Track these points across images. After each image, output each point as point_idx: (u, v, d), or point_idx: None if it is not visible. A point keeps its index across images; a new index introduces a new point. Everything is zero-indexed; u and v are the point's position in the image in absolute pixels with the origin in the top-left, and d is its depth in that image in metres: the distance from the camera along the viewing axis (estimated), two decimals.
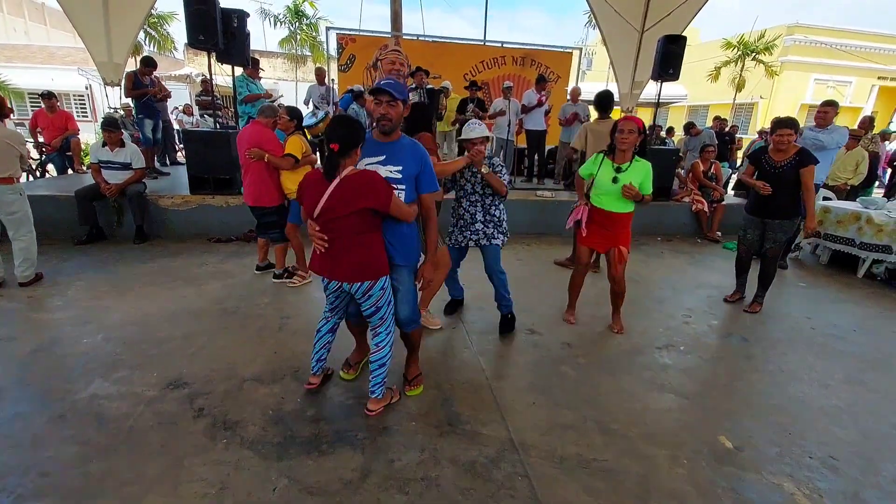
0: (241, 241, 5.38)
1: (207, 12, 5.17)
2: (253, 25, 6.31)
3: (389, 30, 10.76)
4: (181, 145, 8.69)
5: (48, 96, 6.95)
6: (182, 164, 7.28)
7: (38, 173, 7.22)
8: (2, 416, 2.17)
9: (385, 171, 2.08)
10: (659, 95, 6.74)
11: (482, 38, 11.16)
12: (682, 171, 7.29)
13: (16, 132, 3.78)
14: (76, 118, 7.66)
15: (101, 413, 2.22)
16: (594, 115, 5.16)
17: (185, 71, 19.50)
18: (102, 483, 1.79)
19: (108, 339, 2.96)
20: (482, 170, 2.92)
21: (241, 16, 5.72)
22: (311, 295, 3.84)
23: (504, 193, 3.03)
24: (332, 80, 8.35)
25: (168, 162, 8.24)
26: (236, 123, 6.30)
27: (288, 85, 19.78)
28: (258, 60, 6.44)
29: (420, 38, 10.82)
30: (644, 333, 3.37)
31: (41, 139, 6.97)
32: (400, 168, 2.12)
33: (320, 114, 7.28)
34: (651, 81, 7.22)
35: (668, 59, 6.40)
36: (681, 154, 7.80)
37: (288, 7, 20.22)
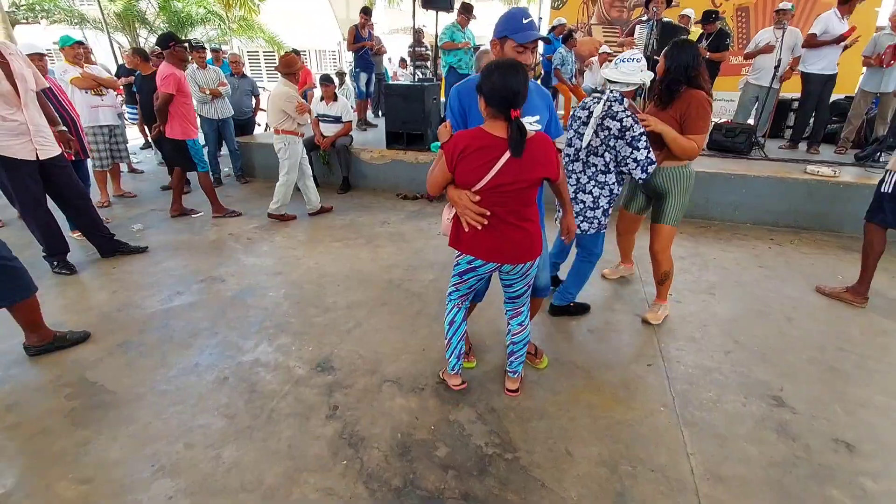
0: (425, 199, 5.29)
1: None
2: None
3: None
4: None
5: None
6: None
7: None
8: (186, 364, 2.38)
9: (527, 125, 1.65)
10: None
11: None
12: None
13: (285, 91, 4.25)
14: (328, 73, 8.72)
15: (256, 383, 2.24)
16: None
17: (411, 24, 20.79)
18: (227, 477, 1.73)
19: (287, 296, 3.11)
20: None
21: None
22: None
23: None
24: (539, 18, 7.36)
25: (381, 114, 8.81)
26: (434, 75, 6.10)
27: None
28: (471, 6, 5.92)
29: None
30: None
31: None
32: (538, 118, 1.74)
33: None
34: None
35: None
36: None
37: None
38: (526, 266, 1.84)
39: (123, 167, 6.27)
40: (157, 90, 4.11)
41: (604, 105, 2.32)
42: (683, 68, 2.40)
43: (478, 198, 1.68)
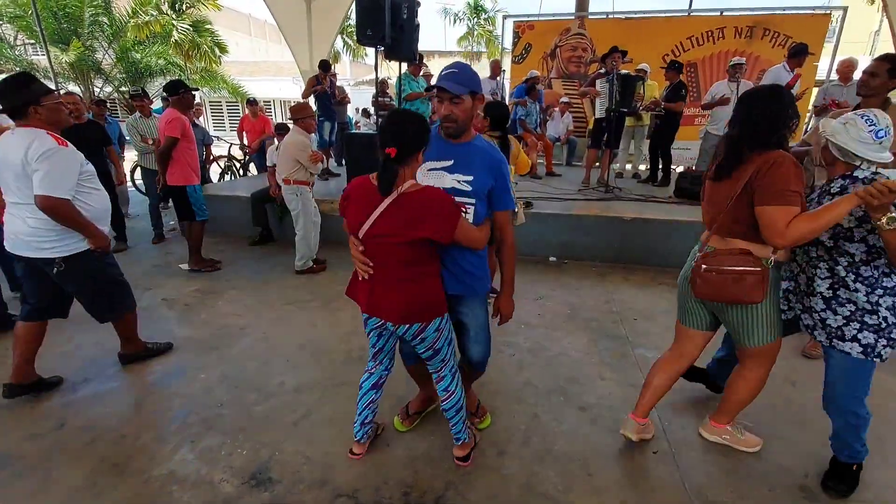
0: None
1: (378, 3, 4.78)
2: (434, 25, 5.96)
3: (573, 11, 9.43)
4: None
5: (252, 102, 7.73)
6: None
7: (240, 173, 8.17)
8: (74, 485, 1.83)
9: (451, 181, 1.67)
10: None
11: (686, 7, 8.93)
12: None
13: (299, 139, 4.04)
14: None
15: None
16: None
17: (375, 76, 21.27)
18: None
19: (223, 378, 2.60)
20: (881, 221, 1.47)
21: (412, 6, 5.22)
22: None
23: None
24: (503, 70, 7.49)
25: (344, 163, 8.57)
26: None
27: None
28: (422, 56, 5.94)
29: (610, 17, 9.19)
30: None
31: (245, 141, 7.81)
32: (471, 178, 1.67)
33: None
34: None
35: None
36: None
37: (468, 3, 20.28)
38: (414, 328, 1.66)
39: None
40: (161, 134, 3.97)
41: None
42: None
43: (361, 247, 1.62)
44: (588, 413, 2.34)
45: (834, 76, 5.62)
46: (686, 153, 8.11)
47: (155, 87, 16.54)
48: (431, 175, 1.69)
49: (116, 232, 5.04)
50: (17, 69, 14.80)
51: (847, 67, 5.28)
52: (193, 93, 4.09)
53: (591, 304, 3.61)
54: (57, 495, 1.79)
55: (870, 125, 1.60)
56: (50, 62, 9.59)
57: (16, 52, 15.11)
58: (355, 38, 5.30)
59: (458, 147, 1.69)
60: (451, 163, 1.68)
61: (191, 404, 2.36)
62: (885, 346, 1.62)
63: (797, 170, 1.58)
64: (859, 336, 1.64)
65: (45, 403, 2.35)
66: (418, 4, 5.33)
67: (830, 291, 1.70)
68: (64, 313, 2.53)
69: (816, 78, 7.89)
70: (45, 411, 2.29)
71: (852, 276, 1.65)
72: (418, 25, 5.41)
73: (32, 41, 15.04)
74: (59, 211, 2.13)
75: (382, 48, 5.14)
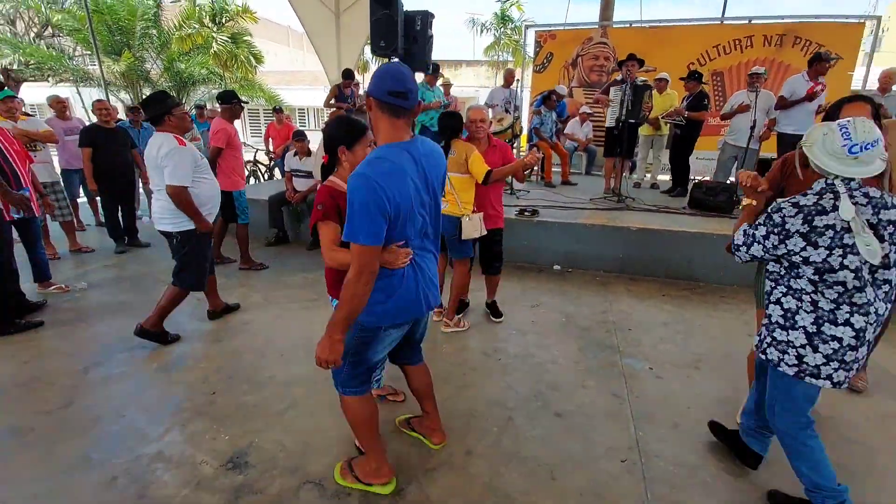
0: None
1: (391, 17, 4.95)
2: (462, 34, 6.08)
3: (598, 19, 9.40)
4: None
5: (278, 110, 8.07)
6: None
7: (265, 176, 8.53)
8: (74, 458, 2.00)
9: None
10: None
11: (718, 16, 8.76)
12: None
13: None
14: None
15: (148, 486, 1.86)
16: None
17: None
18: None
19: (220, 368, 2.77)
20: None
21: (425, 18, 5.36)
22: (464, 343, 3.06)
23: None
24: (518, 80, 7.54)
25: None
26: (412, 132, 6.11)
27: (487, 91, 20.06)
28: (438, 67, 6.09)
29: (634, 25, 9.10)
30: None
31: (271, 147, 8.16)
32: None
33: (507, 121, 6.51)
34: None
35: None
36: None
37: (495, 13, 20.47)
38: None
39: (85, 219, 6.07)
40: (209, 143, 4.26)
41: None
42: None
43: None
44: (563, 420, 2.35)
45: (859, 85, 5.40)
46: (711, 164, 7.91)
47: (197, 95, 17.51)
48: None
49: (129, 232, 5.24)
50: (73, 78, 16.00)
51: (887, 78, 5.08)
52: (243, 104, 4.29)
53: (587, 314, 3.60)
54: (54, 466, 1.96)
55: (845, 138, 1.47)
56: (102, 72, 10.28)
57: (73, 62, 16.29)
58: (370, 49, 5.47)
59: None
60: None
61: (187, 391, 2.53)
62: (769, 345, 1.65)
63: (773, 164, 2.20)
64: (762, 330, 1.72)
65: (56, 386, 2.56)
66: (432, 16, 5.47)
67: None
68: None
69: (851, 88, 7.55)
70: (56, 393, 2.50)
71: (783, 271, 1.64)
72: (431, 37, 5.54)
73: (89, 52, 16.14)
74: (179, 196, 2.80)
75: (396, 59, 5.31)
